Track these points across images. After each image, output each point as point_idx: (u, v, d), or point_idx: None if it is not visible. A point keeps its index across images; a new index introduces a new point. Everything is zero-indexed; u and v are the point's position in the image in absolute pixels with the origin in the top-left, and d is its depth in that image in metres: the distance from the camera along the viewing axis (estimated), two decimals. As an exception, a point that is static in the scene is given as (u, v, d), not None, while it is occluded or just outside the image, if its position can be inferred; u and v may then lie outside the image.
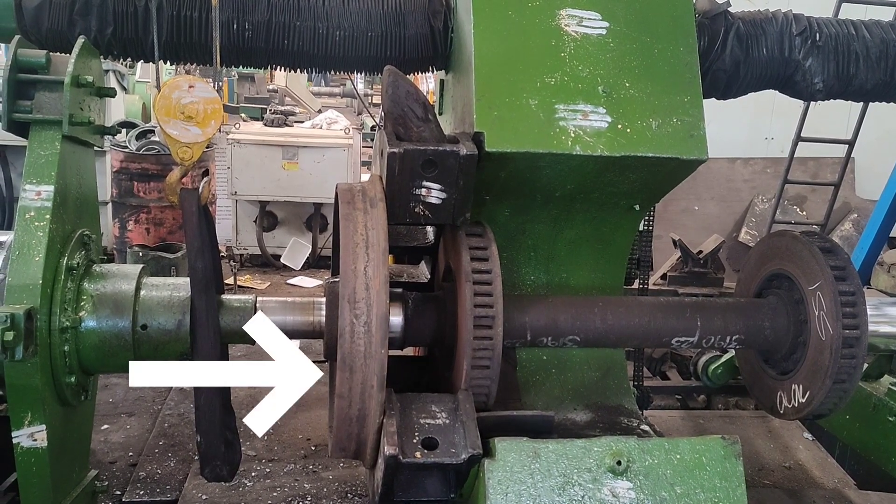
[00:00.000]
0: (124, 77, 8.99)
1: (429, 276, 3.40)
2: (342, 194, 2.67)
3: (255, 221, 8.93)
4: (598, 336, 2.95)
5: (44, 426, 2.55)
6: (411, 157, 2.53)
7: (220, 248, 9.14)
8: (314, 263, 9.00)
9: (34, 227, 2.56)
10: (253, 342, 2.96)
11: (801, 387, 2.94)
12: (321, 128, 9.57)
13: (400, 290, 2.96)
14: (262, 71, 17.58)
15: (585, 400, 3.35)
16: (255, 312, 2.90)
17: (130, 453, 4.14)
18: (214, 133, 2.65)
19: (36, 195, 2.59)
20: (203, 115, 2.60)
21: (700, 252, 5.59)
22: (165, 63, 3.33)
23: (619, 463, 2.42)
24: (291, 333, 2.94)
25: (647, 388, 3.99)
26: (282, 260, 9.04)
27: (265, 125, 9.38)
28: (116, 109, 9.01)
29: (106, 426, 4.37)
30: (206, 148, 7.96)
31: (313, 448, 4.18)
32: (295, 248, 9.04)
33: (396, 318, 2.83)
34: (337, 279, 2.65)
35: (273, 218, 9.06)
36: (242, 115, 11.11)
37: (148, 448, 4.15)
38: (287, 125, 9.53)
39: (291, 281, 8.59)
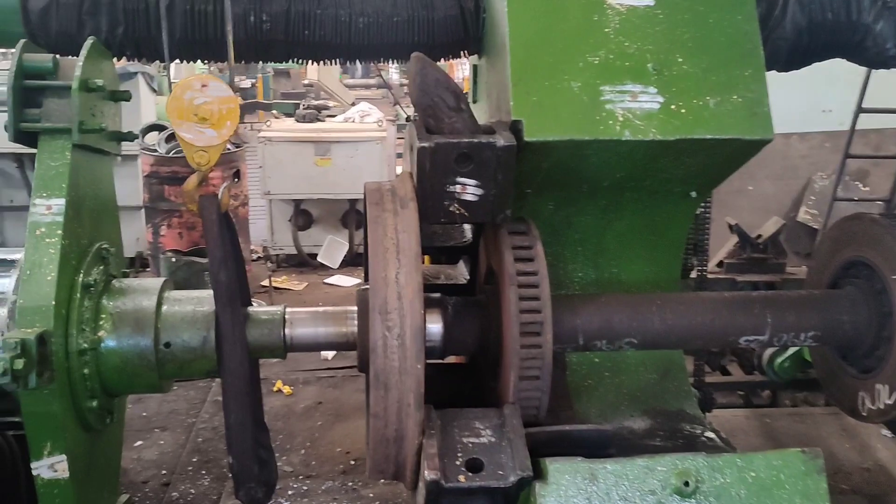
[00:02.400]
0: (154, 79, 8.92)
1: (468, 277, 3.23)
2: (370, 194, 2.51)
3: (289, 220, 8.85)
4: (657, 337, 2.76)
5: (64, 456, 2.44)
6: (443, 151, 2.36)
7: (255, 248, 9.12)
8: (351, 261, 8.89)
9: (45, 244, 2.44)
10: (284, 356, 2.82)
11: (886, 387, 2.70)
12: (353, 121, 9.42)
13: (438, 295, 2.79)
14: (298, 66, 17.56)
15: (643, 405, 3.18)
16: (283, 325, 2.75)
17: (163, 471, 4.05)
18: (231, 134, 2.50)
19: (46, 209, 2.47)
20: (218, 115, 2.45)
21: (759, 236, 5.30)
22: (182, 62, 3.20)
23: (686, 484, 2.22)
24: (323, 345, 2.80)
25: (709, 388, 3.77)
26: (318, 259, 8.95)
27: (297, 121, 9.26)
28: (147, 112, 8.97)
29: (139, 442, 4.29)
30: (237, 147, 7.89)
31: (353, 462, 4.05)
32: (331, 247, 8.94)
33: (435, 326, 2.67)
34: (368, 286, 2.49)
35: (308, 216, 8.97)
36: (274, 111, 10.99)
37: (181, 466, 4.06)
38: (319, 120, 9.39)
39: (329, 280, 8.50)
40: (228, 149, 7.68)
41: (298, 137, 8.61)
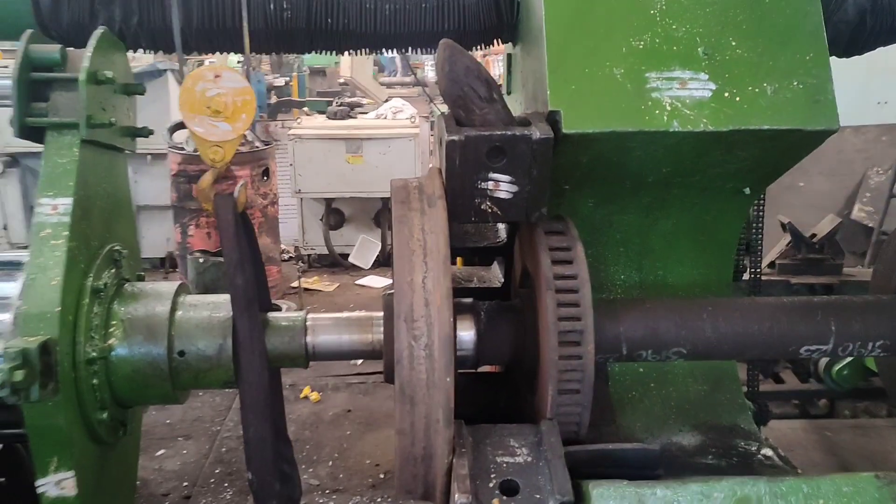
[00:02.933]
0: (184, 76, 8.91)
1: (502, 280, 3.08)
2: (395, 192, 2.36)
3: (321, 220, 8.76)
4: (708, 347, 2.57)
5: (72, 472, 2.32)
6: (474, 144, 2.21)
7: (287, 248, 9.07)
8: (384, 261, 8.79)
9: (51, 247, 2.32)
10: (305, 365, 2.69)
11: (964, 401, 2.48)
12: (386, 118, 9.30)
13: (470, 300, 2.63)
14: (334, 63, 17.54)
15: (692, 419, 3.00)
16: (305, 332, 2.61)
17: (185, 483, 3.96)
18: (246, 129, 2.37)
19: (52, 209, 2.36)
20: (232, 108, 2.32)
21: (814, 235, 5.06)
22: (199, 53, 3.08)
23: (745, 512, 2.02)
24: (347, 354, 2.66)
25: (764, 400, 3.56)
26: (350, 259, 8.86)
27: (328, 118, 9.17)
28: (177, 109, 8.98)
29: (161, 451, 4.20)
30: (266, 144, 7.82)
31: (382, 476, 3.92)
32: (364, 246, 8.84)
33: (467, 334, 2.52)
34: (393, 290, 2.35)
35: (340, 215, 8.88)
36: (306, 108, 10.92)
37: (203, 477, 3.96)
38: (351, 117, 9.30)
39: (360, 281, 8.40)
40: (257, 147, 7.60)
41: (330, 134, 8.52)
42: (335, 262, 8.95)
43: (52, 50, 2.51)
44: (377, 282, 8.37)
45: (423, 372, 2.12)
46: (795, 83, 2.36)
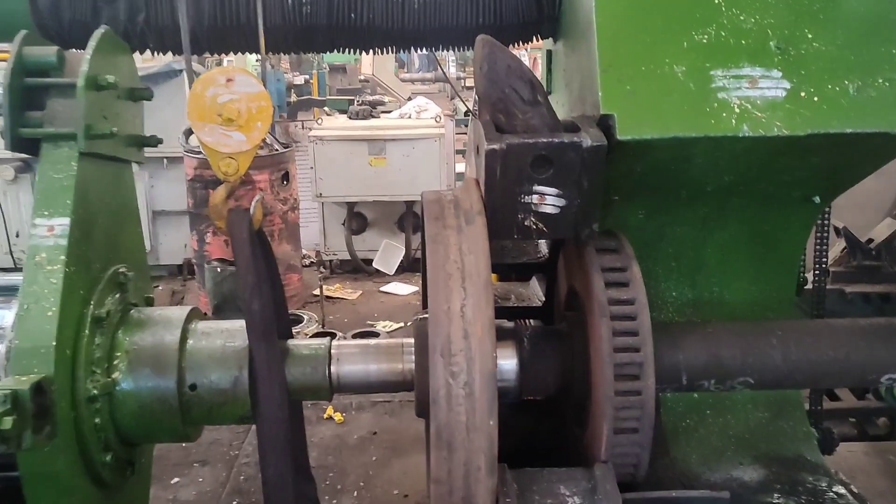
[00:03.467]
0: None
1: (542, 299, 2.85)
2: (428, 207, 2.14)
3: (343, 224, 8.56)
4: (779, 377, 2.34)
5: (72, 523, 2.11)
6: (517, 153, 1.99)
7: (308, 253, 8.86)
8: (409, 266, 8.57)
9: (46, 273, 2.11)
10: (329, 398, 2.47)
11: None
12: (409, 117, 9.08)
13: (512, 324, 2.41)
14: (354, 60, 17.39)
15: (753, 450, 2.80)
16: (329, 361, 2.40)
17: (199, 517, 3.76)
18: (262, 138, 2.15)
19: (48, 231, 2.15)
20: (246, 116, 2.10)
21: (870, 241, 4.76)
22: (212, 54, 2.88)
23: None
24: (376, 386, 2.44)
25: (829, 427, 3.29)
26: (374, 265, 8.66)
27: (350, 118, 8.97)
28: (194, 112, 8.83)
29: (176, 479, 4.02)
30: (286, 147, 7.61)
31: (411, 509, 3.69)
32: (387, 252, 8.64)
33: (509, 363, 2.31)
34: (426, 314, 2.12)
35: (362, 219, 8.69)
36: (326, 108, 10.73)
37: (219, 510, 3.75)
38: (373, 116, 9.09)
39: (385, 288, 8.20)
40: (276, 150, 7.41)
41: (351, 136, 8.32)
42: (358, 268, 8.76)
43: (47, 53, 2.30)
44: (402, 289, 8.15)
45: (462, 414, 1.89)
46: (881, 80, 2.12)
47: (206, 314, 7.12)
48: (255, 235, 2.33)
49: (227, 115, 2.08)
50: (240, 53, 2.90)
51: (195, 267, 7.62)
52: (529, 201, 2.06)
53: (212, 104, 2.09)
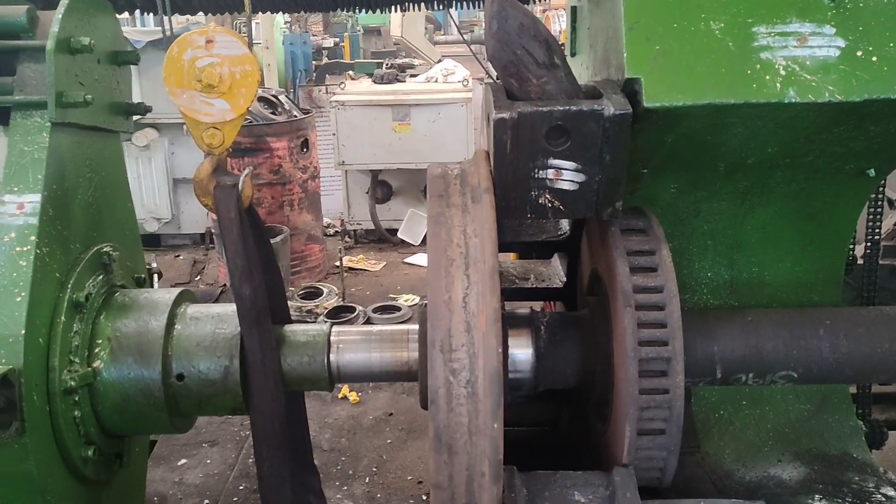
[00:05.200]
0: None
1: (564, 279, 2.67)
2: (432, 183, 1.97)
3: (366, 193, 8.40)
4: (826, 371, 2.17)
5: (47, 525, 1.99)
6: (530, 123, 1.82)
7: (333, 222, 8.70)
8: (435, 237, 8.38)
9: (14, 255, 1.97)
10: (329, 388, 2.32)
11: None
12: (436, 80, 8.85)
13: (527, 310, 2.23)
14: (387, 22, 17.11)
15: (794, 446, 2.65)
16: (328, 349, 2.24)
17: (206, 501, 3.65)
18: (248, 106, 1.97)
19: (17, 209, 2.00)
20: (229, 81, 1.92)
21: (927, 213, 4.49)
22: (207, 14, 2.70)
23: None
24: (378, 375, 2.28)
25: (878, 420, 3.08)
26: (399, 235, 8.51)
27: (374, 82, 8.76)
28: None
29: (183, 461, 3.93)
30: (305, 113, 7.41)
31: (425, 498, 3.55)
32: (412, 221, 8.48)
33: (523, 353, 2.16)
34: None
35: (387, 188, 8.53)
36: (350, 72, 10.51)
37: (226, 494, 3.68)
38: (399, 80, 8.87)
39: (409, 259, 8.07)
40: (294, 116, 7.24)
41: (375, 101, 8.12)
42: (382, 238, 8.62)
43: (17, 12, 2.13)
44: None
45: (463, 415, 1.73)
46: (951, 38, 1.88)
47: (224, 285, 6.91)
48: (244, 213, 2.17)
49: (208, 81, 1.90)
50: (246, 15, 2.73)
51: (214, 237, 7.52)
52: (544, 177, 1.89)
53: (190, 69, 1.91)
